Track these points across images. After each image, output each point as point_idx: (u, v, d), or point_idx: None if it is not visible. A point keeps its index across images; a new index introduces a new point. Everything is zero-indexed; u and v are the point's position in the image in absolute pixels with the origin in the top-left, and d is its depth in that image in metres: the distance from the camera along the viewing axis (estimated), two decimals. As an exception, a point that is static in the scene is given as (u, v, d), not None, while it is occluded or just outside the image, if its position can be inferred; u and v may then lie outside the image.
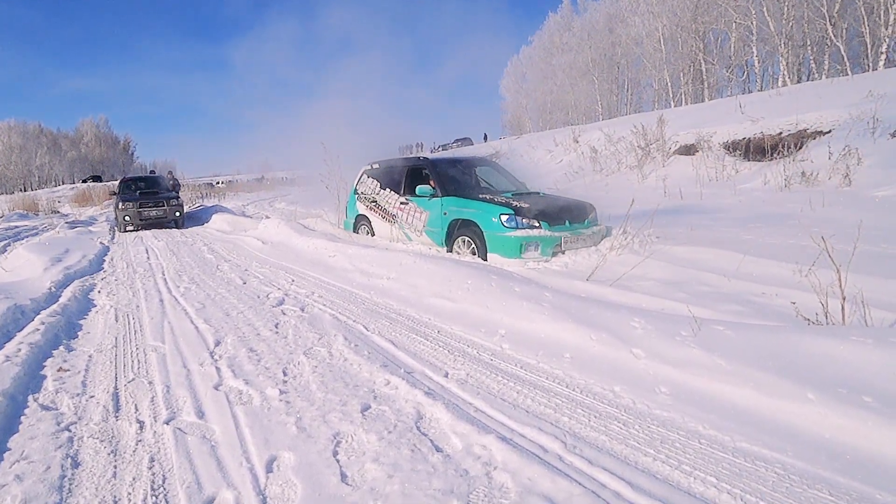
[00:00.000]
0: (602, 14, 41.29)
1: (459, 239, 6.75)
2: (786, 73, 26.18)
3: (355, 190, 9.31)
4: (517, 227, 6.07)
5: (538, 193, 7.24)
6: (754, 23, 26.72)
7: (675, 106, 32.77)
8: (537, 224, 6.11)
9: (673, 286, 4.72)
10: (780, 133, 11.22)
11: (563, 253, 6.05)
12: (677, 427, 2.52)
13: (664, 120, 13.92)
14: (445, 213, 7.00)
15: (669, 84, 35.66)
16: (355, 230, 9.35)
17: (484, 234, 6.32)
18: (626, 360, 3.19)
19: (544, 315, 3.88)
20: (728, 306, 4.02)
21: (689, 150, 13.12)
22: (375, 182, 8.69)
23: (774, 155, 10.66)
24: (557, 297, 4.16)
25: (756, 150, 11.37)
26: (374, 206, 8.63)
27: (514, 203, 6.35)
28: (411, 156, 8.46)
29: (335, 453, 2.45)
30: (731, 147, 11.95)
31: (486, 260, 6.20)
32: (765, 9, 25.23)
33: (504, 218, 6.13)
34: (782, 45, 25.59)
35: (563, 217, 6.31)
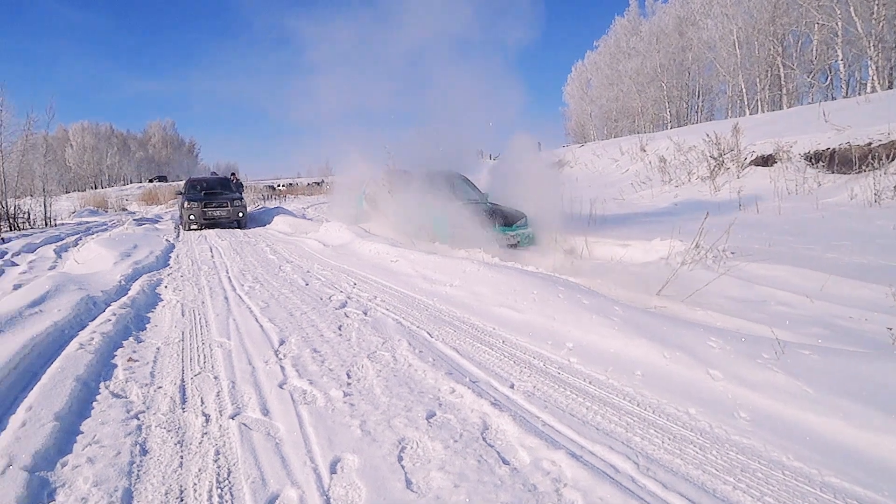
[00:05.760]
0: (672, 17, 39.88)
1: (424, 232, 9.01)
2: (875, 77, 24.40)
3: (364, 192, 12.21)
4: None
5: (485, 204, 9.28)
6: (839, 24, 25.06)
7: (750, 113, 31.24)
8: None
9: (748, 305, 4.51)
10: (870, 143, 10.47)
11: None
12: (758, 455, 2.39)
13: (739, 128, 13.32)
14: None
15: (744, 90, 33.97)
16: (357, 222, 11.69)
17: (435, 231, 8.76)
18: (702, 381, 3.05)
19: (614, 329, 3.77)
20: (811, 329, 3.79)
21: (766, 160, 12.48)
22: (383, 186, 11.07)
23: (863, 167, 9.95)
24: (627, 311, 4.03)
25: (842, 161, 10.65)
26: (374, 205, 11.51)
27: None
28: (398, 169, 11.10)
29: (400, 458, 2.45)
30: (814, 158, 11.25)
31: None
32: (851, 9, 23.61)
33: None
34: (871, 48, 23.87)
35: (493, 221, 8.34)
